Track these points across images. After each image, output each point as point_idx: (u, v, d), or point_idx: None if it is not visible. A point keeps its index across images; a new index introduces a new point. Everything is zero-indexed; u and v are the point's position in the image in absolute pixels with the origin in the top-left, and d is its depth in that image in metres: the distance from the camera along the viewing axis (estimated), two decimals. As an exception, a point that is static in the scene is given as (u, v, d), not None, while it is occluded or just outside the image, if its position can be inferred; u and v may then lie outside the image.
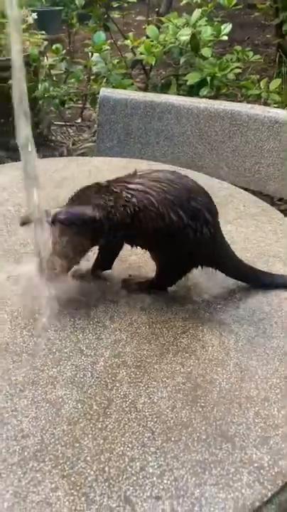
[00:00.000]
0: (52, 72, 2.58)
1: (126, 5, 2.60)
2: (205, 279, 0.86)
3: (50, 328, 0.76)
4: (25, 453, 0.59)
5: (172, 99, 1.60)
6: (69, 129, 3.22)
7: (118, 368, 0.70)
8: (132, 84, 2.21)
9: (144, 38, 2.28)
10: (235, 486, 0.55)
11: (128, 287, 0.84)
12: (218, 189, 1.17)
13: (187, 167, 1.32)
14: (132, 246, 0.83)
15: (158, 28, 2.12)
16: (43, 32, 3.00)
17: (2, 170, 1.30)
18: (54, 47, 2.45)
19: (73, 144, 3.07)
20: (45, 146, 2.99)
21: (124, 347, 0.73)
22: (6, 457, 0.58)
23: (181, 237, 0.76)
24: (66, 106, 2.84)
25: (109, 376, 0.68)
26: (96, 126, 3.20)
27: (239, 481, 0.56)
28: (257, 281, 0.85)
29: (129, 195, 0.76)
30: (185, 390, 0.66)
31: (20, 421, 0.62)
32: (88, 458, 0.58)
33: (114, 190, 0.78)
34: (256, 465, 0.57)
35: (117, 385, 0.67)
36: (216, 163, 1.55)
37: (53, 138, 3.14)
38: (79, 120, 3.31)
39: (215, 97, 2.00)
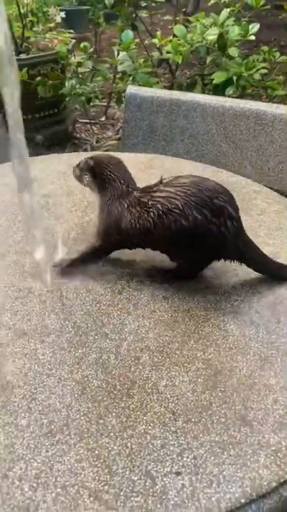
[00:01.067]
0: (79, 70, 2.63)
1: (153, 4, 2.62)
2: (228, 272, 0.88)
3: (76, 312, 0.80)
4: (52, 426, 0.62)
5: (198, 97, 1.62)
6: (93, 127, 3.26)
7: (141, 351, 0.72)
8: (158, 82, 2.24)
9: (171, 37, 2.30)
10: (252, 467, 0.57)
11: (151, 277, 0.87)
12: (241, 186, 1.19)
13: (211, 165, 1.34)
14: (154, 249, 0.87)
15: (186, 27, 2.14)
16: (71, 31, 3.06)
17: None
18: (82, 45, 2.49)
19: (97, 142, 3.12)
20: (70, 143, 3.04)
21: (147, 333, 0.76)
22: (35, 429, 0.61)
23: (205, 234, 0.79)
24: (91, 104, 2.88)
25: (132, 359, 0.71)
26: (120, 124, 3.25)
27: (256, 462, 0.58)
28: (278, 274, 0.87)
29: (154, 202, 0.81)
30: (206, 376, 0.69)
31: (48, 397, 0.65)
32: (111, 434, 0.61)
33: (142, 200, 0.83)
34: (273, 448, 0.59)
35: (140, 367, 0.70)
36: (240, 161, 1.57)
37: (77, 135, 3.19)
38: (103, 118, 3.35)
39: (240, 97, 2.01)
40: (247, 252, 0.84)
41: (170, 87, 2.52)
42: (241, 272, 0.88)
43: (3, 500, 0.54)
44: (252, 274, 0.88)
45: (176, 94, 1.65)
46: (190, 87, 2.27)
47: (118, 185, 0.87)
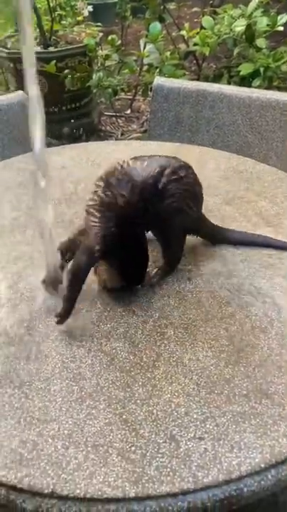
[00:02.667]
0: (106, 63, 2.67)
1: (181, -3, 2.64)
2: (251, 256, 0.91)
3: (104, 291, 0.83)
4: (83, 392, 0.66)
5: (224, 88, 1.63)
6: (118, 120, 3.30)
7: (166, 327, 0.76)
8: (184, 75, 2.25)
9: (198, 29, 2.31)
10: (272, 436, 0.60)
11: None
12: (267, 174, 1.20)
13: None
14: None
15: (213, 19, 2.15)
16: (99, 24, 3.10)
17: (61, 151, 1.39)
18: (110, 38, 2.53)
19: (122, 134, 3.16)
20: (95, 135, 3.09)
21: (172, 311, 0.79)
22: (66, 394, 0.66)
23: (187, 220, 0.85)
24: (116, 97, 2.92)
25: (158, 334, 0.74)
26: (144, 117, 3.28)
27: (276, 432, 0.60)
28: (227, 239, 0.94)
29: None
30: (229, 352, 0.72)
31: (79, 366, 0.70)
32: (138, 401, 0.64)
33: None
34: (293, 420, 0.62)
35: (165, 342, 0.73)
36: (265, 152, 1.57)
37: (103, 128, 3.24)
38: (128, 111, 3.38)
39: (267, 89, 2.01)
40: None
41: (197, 80, 2.53)
42: (264, 255, 0.90)
43: (38, 455, 0.58)
44: (275, 257, 0.90)
45: (203, 85, 1.67)
46: (216, 80, 2.27)
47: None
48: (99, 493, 0.54)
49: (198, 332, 0.75)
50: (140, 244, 0.80)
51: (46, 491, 0.55)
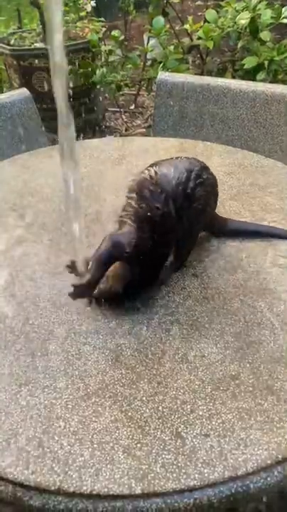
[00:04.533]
0: (110, 58, 2.65)
1: (184, -10, 2.61)
2: (257, 252, 0.90)
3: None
4: (88, 390, 0.66)
5: (228, 82, 1.61)
6: (122, 115, 3.29)
7: (171, 324, 0.76)
8: (188, 69, 2.24)
9: (202, 22, 2.29)
10: (278, 432, 0.60)
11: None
12: (272, 169, 1.20)
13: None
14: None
15: (217, 12, 2.13)
16: (102, 19, 3.08)
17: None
18: (113, 33, 2.51)
19: (126, 130, 3.15)
20: (99, 131, 3.08)
21: (177, 307, 0.79)
22: (72, 392, 0.66)
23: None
24: (120, 92, 2.90)
25: (163, 331, 0.74)
26: (149, 112, 3.26)
27: (282, 428, 0.60)
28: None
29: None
30: (234, 348, 0.71)
31: (84, 363, 0.70)
32: (144, 398, 0.64)
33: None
34: (299, 416, 0.61)
35: (170, 339, 0.73)
36: (270, 146, 1.56)
37: (107, 124, 3.23)
38: (132, 106, 3.37)
39: (272, 83, 1.99)
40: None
41: (201, 74, 2.51)
42: (270, 251, 0.90)
43: (44, 452, 0.59)
44: (281, 253, 0.89)
45: (207, 80, 1.65)
46: (220, 73, 2.26)
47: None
48: (106, 490, 0.54)
49: (203, 328, 0.75)
50: (166, 253, 0.81)
51: (53, 488, 0.55)
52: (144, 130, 3.06)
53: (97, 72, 2.56)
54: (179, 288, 0.83)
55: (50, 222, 1.02)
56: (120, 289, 0.78)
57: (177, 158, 0.85)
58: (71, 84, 2.68)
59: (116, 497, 0.54)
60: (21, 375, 0.68)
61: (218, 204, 0.96)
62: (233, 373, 0.67)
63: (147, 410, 0.63)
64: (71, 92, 0.69)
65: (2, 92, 2.65)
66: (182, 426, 0.61)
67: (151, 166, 0.83)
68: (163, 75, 1.66)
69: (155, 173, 0.80)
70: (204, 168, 0.85)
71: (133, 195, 0.79)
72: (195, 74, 2.46)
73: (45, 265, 0.89)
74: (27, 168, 1.23)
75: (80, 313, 0.78)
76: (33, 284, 0.85)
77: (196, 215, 0.83)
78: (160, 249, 0.79)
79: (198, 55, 2.68)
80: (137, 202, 0.78)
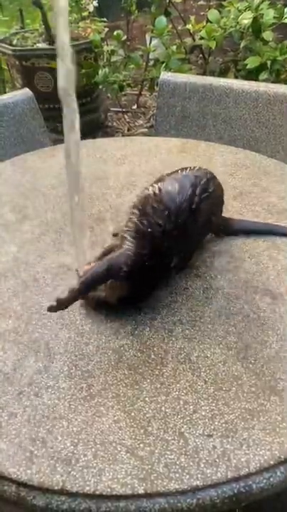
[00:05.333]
0: (112, 58, 2.65)
1: (187, -10, 2.61)
2: (259, 252, 0.90)
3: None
4: (91, 390, 0.66)
5: (231, 82, 1.61)
6: (125, 116, 3.29)
7: (174, 324, 0.76)
8: (190, 69, 2.24)
9: (204, 22, 2.29)
10: (281, 433, 0.60)
11: None
12: (275, 169, 1.19)
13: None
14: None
15: (219, 12, 2.13)
16: (105, 19, 3.08)
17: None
18: (115, 33, 2.51)
19: (128, 130, 3.15)
20: (102, 131, 3.09)
21: (180, 308, 0.79)
22: (75, 392, 0.66)
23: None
24: (122, 93, 2.91)
25: (166, 331, 0.75)
26: (151, 112, 3.26)
27: (284, 429, 0.60)
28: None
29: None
30: (237, 348, 0.71)
31: (87, 363, 0.70)
32: (146, 398, 0.65)
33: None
34: (302, 417, 0.61)
35: (173, 339, 0.73)
36: (272, 146, 1.56)
37: (109, 124, 3.23)
38: (134, 106, 3.37)
39: (275, 83, 1.99)
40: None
41: (203, 74, 2.51)
42: (272, 251, 0.90)
43: (48, 453, 0.59)
44: (283, 253, 0.89)
45: (209, 80, 1.65)
46: (222, 73, 2.26)
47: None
48: (109, 490, 0.55)
49: (206, 329, 0.75)
50: (164, 271, 0.80)
51: (56, 488, 0.55)
52: (146, 130, 3.07)
53: (100, 72, 2.57)
54: (181, 288, 0.83)
55: (53, 222, 1.02)
56: (114, 301, 0.77)
57: (183, 170, 0.83)
58: (73, 85, 2.69)
59: (119, 497, 0.54)
60: (24, 376, 0.68)
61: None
62: (236, 374, 0.68)
63: (150, 410, 0.63)
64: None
65: (5, 93, 2.66)
66: (185, 426, 0.61)
67: (156, 182, 0.82)
68: (165, 75, 1.66)
69: (159, 190, 0.79)
70: (211, 179, 0.84)
71: (136, 211, 0.79)
72: (198, 74, 2.46)
73: (48, 266, 0.90)
74: (29, 168, 1.24)
75: (83, 314, 0.78)
76: (37, 285, 0.85)
77: (201, 227, 0.83)
78: (158, 266, 0.78)
79: (200, 55, 2.68)
80: (139, 218, 0.77)
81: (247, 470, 0.56)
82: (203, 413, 0.62)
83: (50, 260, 0.91)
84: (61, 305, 0.73)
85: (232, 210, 1.02)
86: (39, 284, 0.85)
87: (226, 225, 0.95)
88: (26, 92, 1.53)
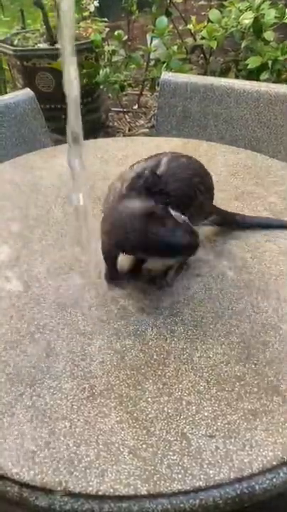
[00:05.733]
0: (113, 58, 2.65)
1: (188, -10, 2.61)
2: (261, 251, 0.90)
3: (114, 289, 0.83)
4: (94, 391, 0.66)
5: (232, 82, 1.61)
6: (125, 116, 3.29)
7: (176, 325, 0.76)
8: (191, 69, 2.24)
9: (205, 22, 2.29)
10: (284, 433, 0.60)
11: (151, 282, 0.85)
12: (277, 169, 1.19)
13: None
14: None
15: (220, 12, 2.12)
16: (105, 19, 3.08)
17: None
18: (116, 33, 2.51)
19: (129, 130, 3.15)
20: (103, 131, 3.09)
21: (182, 308, 0.79)
22: (77, 393, 0.66)
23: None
24: (123, 93, 2.91)
25: (168, 332, 0.74)
26: (152, 112, 3.26)
27: (287, 429, 0.60)
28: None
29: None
30: (239, 349, 0.71)
31: (89, 364, 0.70)
32: (149, 399, 0.65)
33: None
34: (305, 417, 0.61)
35: (175, 339, 0.73)
36: (274, 146, 1.56)
37: (110, 124, 3.23)
38: (135, 106, 3.37)
39: (275, 83, 1.99)
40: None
41: (204, 74, 2.51)
42: (275, 251, 0.90)
43: (50, 453, 0.59)
44: (285, 253, 0.89)
45: (210, 80, 1.65)
46: (223, 74, 2.26)
47: None
48: (111, 490, 0.55)
49: (208, 329, 0.75)
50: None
51: (59, 489, 0.55)
52: (147, 130, 3.07)
53: (101, 72, 2.56)
54: (183, 289, 0.83)
55: (55, 222, 1.02)
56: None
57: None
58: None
59: (121, 498, 0.54)
60: (27, 376, 0.68)
61: (221, 204, 0.96)
62: (238, 374, 0.67)
63: (152, 411, 0.63)
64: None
65: (6, 93, 2.66)
66: (187, 427, 0.61)
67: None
68: (166, 75, 1.66)
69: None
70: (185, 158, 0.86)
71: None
72: (199, 74, 2.46)
73: (50, 266, 0.90)
74: (31, 168, 1.24)
75: (85, 314, 0.78)
76: (38, 285, 0.85)
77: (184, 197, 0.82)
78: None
79: (201, 55, 2.68)
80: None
81: (250, 471, 0.56)
82: (206, 414, 0.62)
83: (52, 260, 0.91)
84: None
85: (234, 209, 1.02)
86: (41, 284, 0.85)
87: (224, 216, 0.96)
88: (27, 92, 1.53)
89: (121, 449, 0.59)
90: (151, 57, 2.76)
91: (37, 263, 0.90)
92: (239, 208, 1.03)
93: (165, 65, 2.17)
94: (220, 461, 0.57)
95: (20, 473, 0.57)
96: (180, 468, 0.57)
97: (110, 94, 2.92)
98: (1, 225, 1.02)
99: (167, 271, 0.85)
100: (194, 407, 0.63)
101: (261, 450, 0.58)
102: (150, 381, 0.67)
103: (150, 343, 0.72)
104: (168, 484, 0.55)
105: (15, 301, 0.82)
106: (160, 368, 0.69)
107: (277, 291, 0.82)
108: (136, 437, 0.60)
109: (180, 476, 0.56)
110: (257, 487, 0.55)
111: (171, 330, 0.75)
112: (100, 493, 0.55)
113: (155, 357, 0.70)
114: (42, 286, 0.85)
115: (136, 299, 0.81)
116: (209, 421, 0.61)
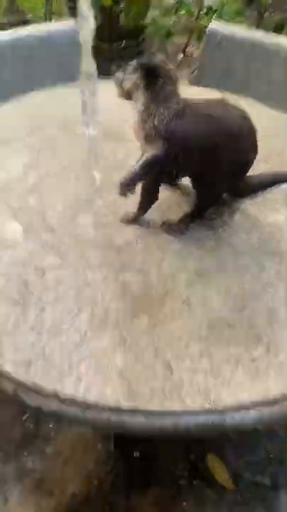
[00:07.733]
0: (165, 0, 2.54)
1: None
2: (277, 213, 0.91)
3: (127, 229, 0.86)
4: (93, 314, 0.71)
5: (282, 41, 1.54)
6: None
7: (180, 270, 0.79)
8: (243, 22, 2.14)
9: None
10: (262, 379, 0.64)
11: (167, 229, 0.87)
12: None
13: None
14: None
15: None
16: None
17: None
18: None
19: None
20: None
21: (188, 255, 0.82)
22: (77, 314, 0.71)
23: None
24: (169, 40, 2.80)
25: (171, 274, 0.78)
26: (196, 64, 3.14)
27: (265, 376, 0.64)
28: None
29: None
30: (237, 300, 0.74)
31: (93, 291, 0.74)
32: (143, 329, 0.69)
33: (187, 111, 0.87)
34: (283, 368, 0.65)
35: (176, 282, 0.77)
36: None
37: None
38: (180, 56, 3.25)
39: None
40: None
41: (256, 29, 2.39)
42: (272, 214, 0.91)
43: (45, 360, 0.64)
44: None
45: (259, 36, 1.58)
46: (277, 30, 2.15)
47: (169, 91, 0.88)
48: (96, 400, 0.60)
49: (210, 277, 0.78)
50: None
51: (49, 392, 0.61)
52: (187, 82, 2.97)
53: (149, 14, 2.46)
54: (193, 238, 0.86)
55: (77, 158, 1.04)
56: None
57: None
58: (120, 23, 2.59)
59: (104, 408, 0.60)
60: (34, 294, 0.73)
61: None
62: (230, 322, 0.71)
63: (144, 340, 0.68)
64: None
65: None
66: (173, 360, 0.65)
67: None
68: (214, 24, 1.60)
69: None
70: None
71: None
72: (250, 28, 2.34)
73: (71, 201, 0.93)
74: (63, 100, 1.24)
75: (96, 248, 0.82)
76: (55, 221, 0.88)
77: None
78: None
79: (257, 11, 2.54)
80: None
81: (224, 405, 0.60)
82: (192, 351, 0.67)
83: (74, 195, 0.94)
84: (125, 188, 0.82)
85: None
86: (58, 222, 0.88)
87: (247, 184, 0.94)
88: (70, 23, 1.50)
89: (110, 368, 0.64)
90: (205, 4, 2.63)
91: (55, 196, 0.93)
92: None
93: (216, 13, 2.08)
94: (198, 392, 0.62)
95: (17, 373, 0.63)
96: (160, 392, 0.62)
97: (155, 40, 2.82)
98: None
99: (181, 220, 0.87)
100: (183, 343, 0.67)
101: (238, 389, 0.62)
102: (147, 315, 0.71)
103: (152, 281, 0.76)
104: (146, 403, 0.60)
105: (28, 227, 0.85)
106: (158, 304, 0.73)
107: (282, 253, 0.83)
108: (125, 361, 0.65)
109: (158, 400, 0.61)
110: (227, 420, 0.60)
111: (174, 273, 0.78)
112: (86, 401, 0.60)
113: (154, 294, 0.74)
114: (58, 218, 0.88)
115: (146, 239, 0.84)
116: (195, 358, 0.66)
